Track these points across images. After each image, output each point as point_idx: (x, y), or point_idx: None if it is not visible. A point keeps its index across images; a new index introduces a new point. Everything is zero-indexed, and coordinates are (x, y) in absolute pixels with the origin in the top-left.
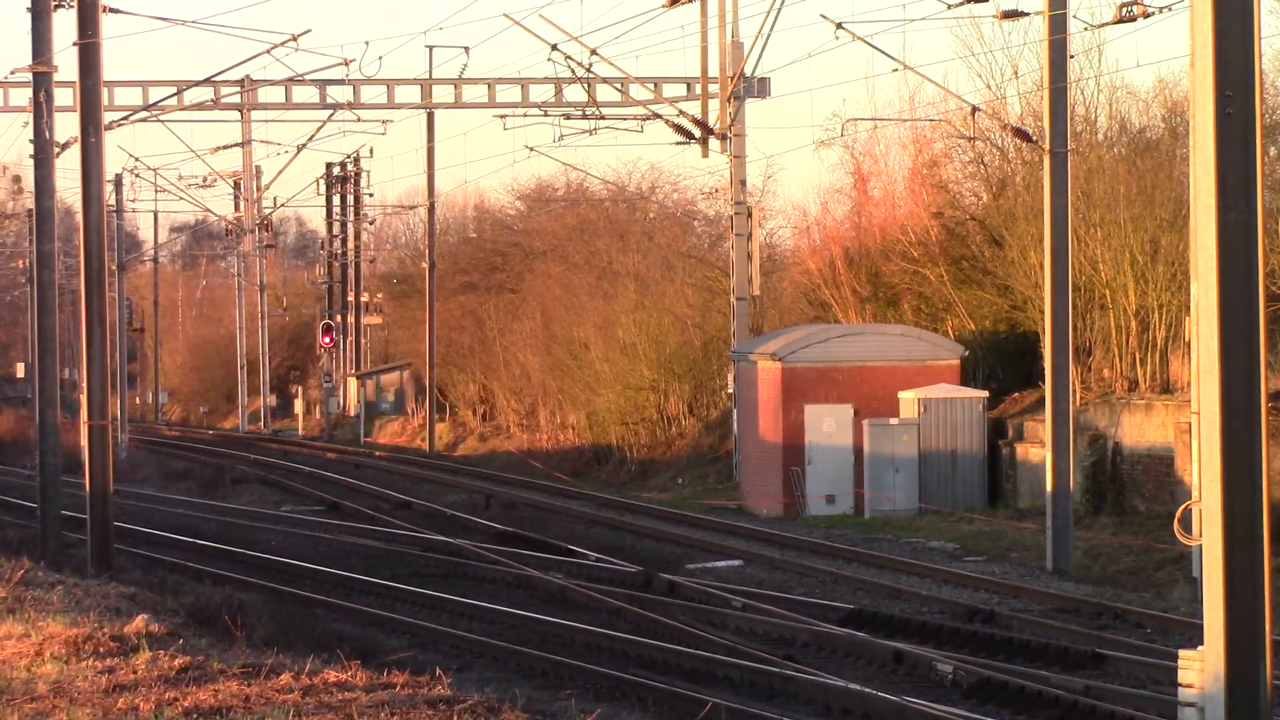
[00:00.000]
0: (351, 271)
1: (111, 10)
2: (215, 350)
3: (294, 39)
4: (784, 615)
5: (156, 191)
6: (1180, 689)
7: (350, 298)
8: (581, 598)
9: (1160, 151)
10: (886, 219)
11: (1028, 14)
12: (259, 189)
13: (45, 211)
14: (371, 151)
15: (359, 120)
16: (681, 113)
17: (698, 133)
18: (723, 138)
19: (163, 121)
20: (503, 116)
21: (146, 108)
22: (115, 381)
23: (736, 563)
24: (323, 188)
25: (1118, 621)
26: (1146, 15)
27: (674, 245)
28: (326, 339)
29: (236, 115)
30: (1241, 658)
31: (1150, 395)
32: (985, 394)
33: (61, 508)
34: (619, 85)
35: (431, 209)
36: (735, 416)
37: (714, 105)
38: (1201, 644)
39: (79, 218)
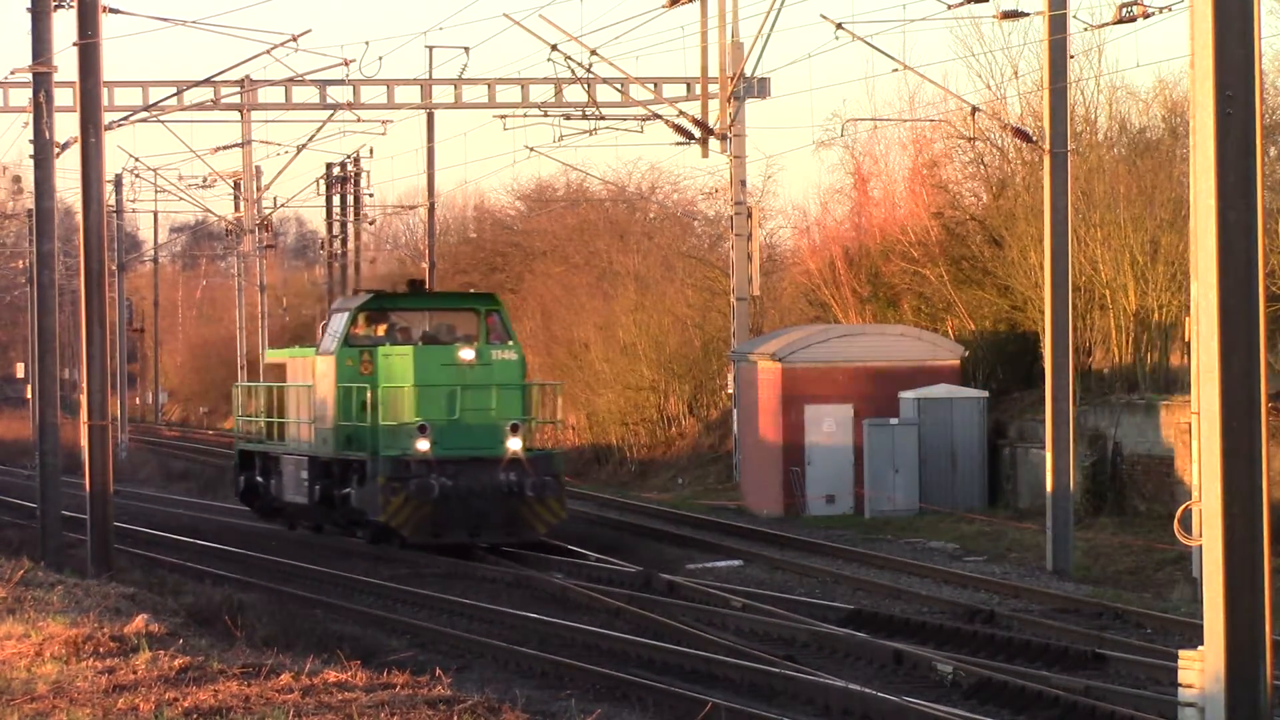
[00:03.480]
0: (351, 272)
1: (111, 10)
2: (215, 350)
3: (294, 39)
4: (784, 615)
5: (156, 191)
6: (1180, 689)
7: None
8: (581, 598)
9: (1160, 151)
10: (886, 219)
11: (1028, 14)
12: (259, 189)
13: (45, 212)
14: (371, 151)
15: (359, 120)
16: (681, 113)
17: (698, 133)
18: (723, 138)
19: (163, 122)
20: (503, 117)
21: (146, 108)
22: (115, 381)
23: (736, 563)
24: (323, 188)
25: (1118, 621)
26: (1146, 15)
27: (674, 245)
28: None
29: (236, 115)
30: (1241, 658)
31: (1150, 395)
32: (985, 394)
33: (61, 508)
34: (619, 85)
35: (431, 209)
36: (735, 416)
37: (714, 105)
38: (1201, 644)
39: (79, 218)
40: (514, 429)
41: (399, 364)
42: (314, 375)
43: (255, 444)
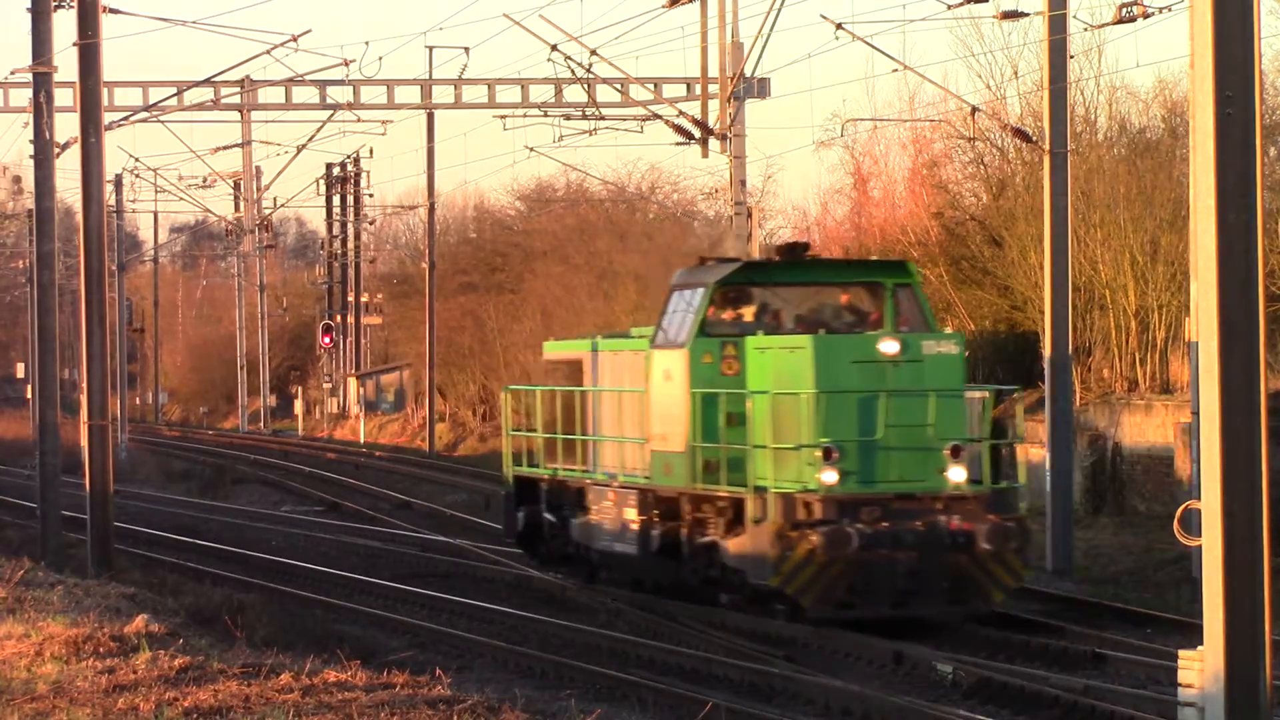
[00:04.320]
0: (351, 271)
1: (111, 10)
2: (215, 350)
3: (294, 39)
4: (784, 615)
5: (156, 192)
6: (1180, 689)
7: (350, 298)
8: (582, 597)
9: (1160, 151)
10: (886, 219)
11: (1028, 14)
12: (259, 189)
13: (45, 212)
14: (371, 152)
15: (359, 120)
16: (681, 113)
17: (697, 133)
18: (723, 138)
19: (163, 122)
20: (503, 117)
21: (146, 108)
22: (115, 381)
23: None
24: (323, 188)
25: (1118, 621)
26: (1146, 15)
27: (674, 246)
28: (326, 339)
29: (236, 115)
30: (1241, 658)
31: (1150, 395)
32: (985, 394)
33: (61, 508)
34: (619, 85)
35: (431, 209)
36: None
37: (714, 105)
38: (1201, 644)
39: (79, 218)
40: (956, 453)
41: (788, 361)
42: (647, 377)
43: (542, 469)
